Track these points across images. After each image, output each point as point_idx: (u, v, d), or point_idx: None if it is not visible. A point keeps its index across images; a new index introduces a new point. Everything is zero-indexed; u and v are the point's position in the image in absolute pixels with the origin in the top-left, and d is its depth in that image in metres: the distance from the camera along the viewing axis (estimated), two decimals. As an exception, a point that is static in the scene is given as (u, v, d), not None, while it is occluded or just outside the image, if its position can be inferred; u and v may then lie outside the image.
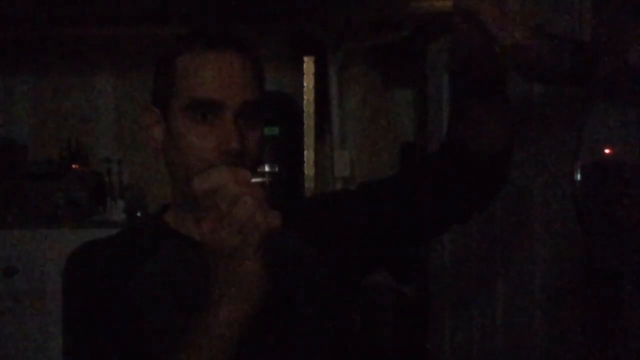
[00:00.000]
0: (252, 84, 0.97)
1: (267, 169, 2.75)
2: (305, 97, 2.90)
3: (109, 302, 0.94)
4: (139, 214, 2.78)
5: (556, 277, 1.52)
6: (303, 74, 2.91)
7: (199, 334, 0.79)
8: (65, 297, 0.97)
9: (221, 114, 0.94)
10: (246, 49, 0.99)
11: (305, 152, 2.89)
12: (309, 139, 2.89)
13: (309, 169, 2.89)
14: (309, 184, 2.89)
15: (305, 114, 2.89)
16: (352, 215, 1.08)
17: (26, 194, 2.80)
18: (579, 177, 1.22)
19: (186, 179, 0.95)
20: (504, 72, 1.00)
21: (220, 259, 0.76)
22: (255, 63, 0.99)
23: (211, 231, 0.75)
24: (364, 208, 1.08)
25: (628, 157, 1.16)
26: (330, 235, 1.05)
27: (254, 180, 0.77)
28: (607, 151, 1.18)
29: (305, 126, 2.89)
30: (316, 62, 2.93)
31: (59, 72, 3.08)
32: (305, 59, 2.90)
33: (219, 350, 0.78)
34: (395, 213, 1.07)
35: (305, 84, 2.90)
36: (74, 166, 2.89)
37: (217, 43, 0.97)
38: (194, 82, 0.95)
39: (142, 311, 0.94)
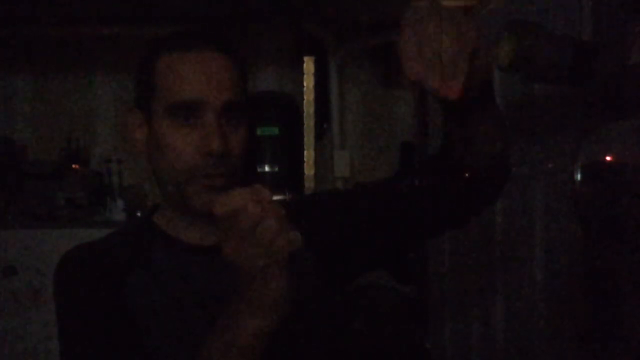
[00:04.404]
0: (234, 83, 0.96)
1: (267, 169, 2.75)
2: (305, 97, 2.90)
3: (103, 309, 0.93)
4: (138, 214, 2.78)
5: (556, 276, 1.52)
6: (303, 74, 2.91)
7: (225, 346, 0.79)
8: (58, 305, 0.95)
9: (202, 114, 0.93)
10: (227, 49, 0.97)
11: (305, 152, 2.89)
12: (309, 139, 2.89)
13: (309, 169, 2.89)
14: (309, 184, 2.89)
15: (305, 114, 2.89)
16: (348, 215, 1.07)
17: (26, 194, 2.80)
18: (579, 177, 1.22)
19: (171, 181, 0.95)
20: (488, 80, 0.95)
21: (243, 278, 0.76)
22: (237, 63, 0.98)
23: (234, 253, 0.74)
24: (360, 208, 1.08)
25: (628, 158, 1.16)
26: (327, 234, 1.04)
27: (274, 198, 0.76)
28: (608, 158, 1.18)
29: (305, 126, 2.89)
30: (316, 62, 2.93)
31: (59, 72, 3.08)
32: (305, 59, 2.90)
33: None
34: (391, 214, 1.07)
35: (305, 84, 2.90)
36: (74, 166, 2.89)
37: (197, 43, 0.95)
38: (174, 83, 0.93)
39: (138, 318, 0.93)
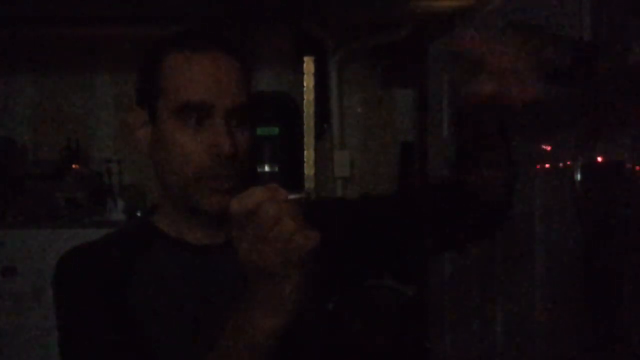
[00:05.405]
0: (242, 86, 0.96)
1: (267, 169, 2.75)
2: (305, 97, 2.90)
3: (105, 309, 0.92)
4: (138, 214, 2.78)
5: (556, 277, 1.52)
6: (303, 74, 2.91)
7: (237, 346, 0.78)
8: (59, 306, 0.95)
9: (211, 116, 0.92)
10: (235, 51, 0.97)
11: (305, 152, 2.89)
12: (309, 139, 2.89)
13: (309, 169, 2.89)
14: (309, 184, 2.89)
15: (305, 114, 2.89)
16: (354, 225, 1.08)
17: (26, 194, 2.80)
18: (579, 177, 1.22)
19: (178, 183, 0.95)
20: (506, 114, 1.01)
21: (259, 277, 0.75)
22: (244, 65, 0.98)
23: (250, 252, 0.73)
24: (365, 220, 1.08)
25: (628, 158, 1.16)
26: (331, 241, 1.04)
27: (291, 197, 0.75)
28: (599, 159, 1.19)
29: (305, 126, 2.89)
30: (316, 62, 2.93)
31: (59, 72, 3.08)
32: (305, 59, 2.90)
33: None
34: (395, 232, 1.08)
35: (305, 84, 2.90)
36: (74, 166, 2.89)
37: (206, 44, 0.95)
38: (184, 84, 0.93)
39: (141, 317, 0.93)
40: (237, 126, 0.95)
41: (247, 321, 0.77)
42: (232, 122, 0.94)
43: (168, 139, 0.94)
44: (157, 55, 0.97)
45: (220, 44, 0.96)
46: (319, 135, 3.06)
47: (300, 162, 2.87)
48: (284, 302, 0.75)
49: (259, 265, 0.73)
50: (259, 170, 2.74)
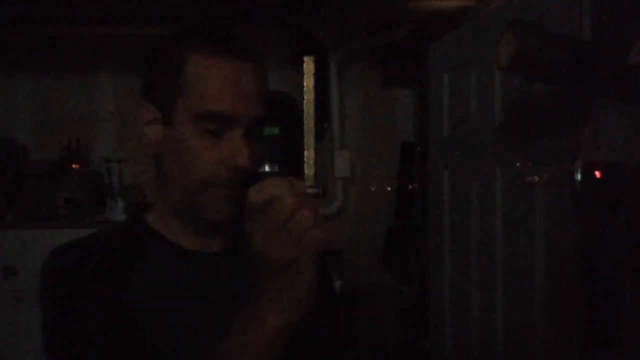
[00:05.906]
0: (262, 97, 0.95)
1: (267, 169, 2.75)
2: (305, 97, 2.89)
3: (103, 309, 0.90)
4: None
5: (556, 277, 1.52)
6: (303, 74, 2.91)
7: (246, 344, 0.76)
8: (50, 307, 0.91)
9: (232, 127, 0.91)
10: (257, 58, 0.96)
11: (305, 152, 2.89)
12: (309, 139, 2.88)
13: (309, 169, 2.89)
14: (309, 184, 2.89)
15: (305, 114, 2.88)
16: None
17: (26, 194, 2.80)
18: (579, 177, 1.22)
19: (186, 188, 0.93)
20: None
21: (274, 270, 0.74)
22: (264, 73, 0.97)
23: (264, 244, 0.73)
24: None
25: (628, 158, 1.16)
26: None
27: (308, 191, 0.75)
28: (599, 159, 1.18)
29: (305, 126, 2.88)
30: (316, 62, 2.92)
31: (59, 72, 3.08)
32: (305, 59, 2.89)
33: (268, 357, 0.76)
34: None
35: (305, 84, 2.89)
36: (74, 166, 2.89)
37: (234, 49, 0.92)
38: (210, 92, 0.91)
39: (140, 318, 0.92)
40: (252, 138, 0.95)
41: (257, 318, 0.76)
42: (250, 133, 0.94)
43: (184, 144, 0.92)
44: (179, 52, 0.93)
45: (245, 50, 0.94)
46: (319, 135, 3.06)
47: (300, 162, 2.87)
48: (297, 296, 0.74)
49: (274, 257, 0.73)
50: (259, 170, 2.74)
